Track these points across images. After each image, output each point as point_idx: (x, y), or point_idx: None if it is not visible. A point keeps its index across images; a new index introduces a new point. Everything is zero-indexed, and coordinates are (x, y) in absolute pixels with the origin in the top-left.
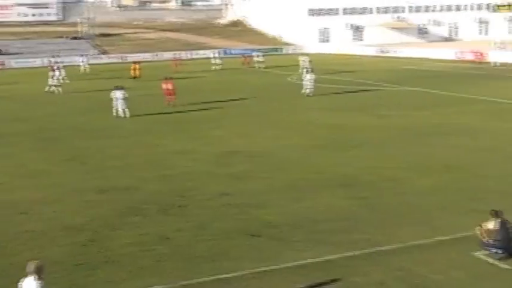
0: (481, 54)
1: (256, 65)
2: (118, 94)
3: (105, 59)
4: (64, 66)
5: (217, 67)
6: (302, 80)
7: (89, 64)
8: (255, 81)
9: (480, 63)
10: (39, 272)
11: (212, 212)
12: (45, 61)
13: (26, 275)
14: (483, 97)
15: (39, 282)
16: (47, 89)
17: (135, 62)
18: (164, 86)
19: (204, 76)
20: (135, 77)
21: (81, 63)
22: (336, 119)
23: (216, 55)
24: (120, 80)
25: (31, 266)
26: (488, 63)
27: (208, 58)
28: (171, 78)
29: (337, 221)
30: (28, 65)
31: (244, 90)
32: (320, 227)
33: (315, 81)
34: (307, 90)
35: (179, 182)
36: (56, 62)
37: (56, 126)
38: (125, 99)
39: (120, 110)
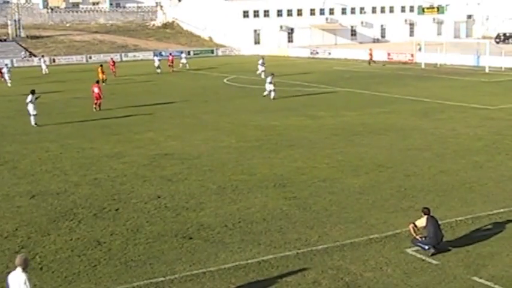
0: (412, 55)
1: (181, 66)
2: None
3: (35, 62)
4: None
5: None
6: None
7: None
8: (190, 84)
9: (405, 63)
10: (25, 264)
11: (146, 215)
12: None
13: (14, 268)
14: (411, 97)
15: (25, 274)
16: None
17: (101, 65)
18: (95, 89)
19: (138, 79)
20: (103, 80)
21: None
22: (268, 120)
23: (157, 58)
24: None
25: (18, 259)
26: (416, 63)
27: (143, 60)
28: (97, 82)
29: (271, 222)
30: None
31: (178, 93)
32: (254, 228)
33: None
34: (273, 93)
35: (111, 185)
36: None
37: None
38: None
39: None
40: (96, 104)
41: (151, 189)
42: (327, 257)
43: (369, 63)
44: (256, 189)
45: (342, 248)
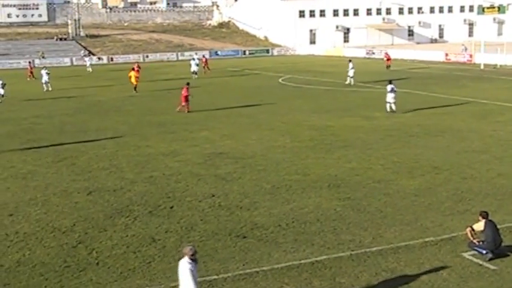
0: (470, 56)
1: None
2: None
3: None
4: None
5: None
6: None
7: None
8: (245, 83)
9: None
10: (190, 254)
11: (200, 214)
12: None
13: (182, 256)
14: (469, 98)
15: (190, 263)
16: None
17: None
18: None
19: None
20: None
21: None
22: (322, 120)
23: (194, 62)
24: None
25: (184, 249)
26: (475, 64)
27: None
28: (188, 84)
29: (325, 222)
30: (13, 66)
31: (233, 92)
32: (308, 228)
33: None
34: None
35: (166, 183)
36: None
37: (43, 128)
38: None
39: None
40: (183, 106)
41: (205, 187)
42: (381, 259)
43: (387, 67)
44: (310, 189)
45: (397, 250)
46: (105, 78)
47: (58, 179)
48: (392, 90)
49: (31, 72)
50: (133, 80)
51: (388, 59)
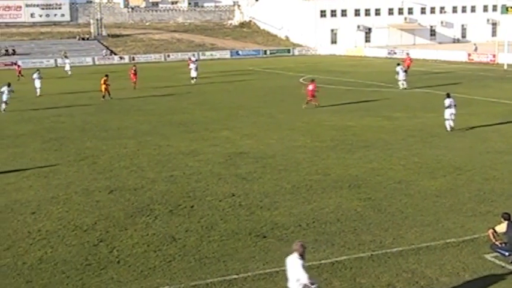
0: (493, 56)
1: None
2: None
3: (116, 60)
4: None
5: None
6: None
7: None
8: (266, 83)
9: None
10: (301, 251)
11: (220, 213)
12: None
13: (291, 252)
14: (492, 99)
15: (301, 260)
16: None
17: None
18: (311, 87)
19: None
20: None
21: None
22: (343, 120)
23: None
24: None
25: (295, 245)
26: (498, 64)
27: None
28: (312, 80)
29: (345, 222)
30: (36, 65)
31: (254, 92)
32: (328, 228)
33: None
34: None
35: (187, 182)
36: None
37: (65, 127)
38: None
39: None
40: (310, 100)
41: (226, 187)
42: (402, 260)
43: (405, 71)
44: (331, 189)
45: (418, 251)
46: (126, 77)
47: (79, 177)
48: (450, 106)
49: (19, 72)
50: (102, 88)
51: (409, 62)
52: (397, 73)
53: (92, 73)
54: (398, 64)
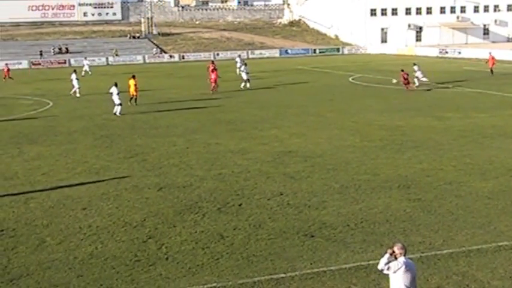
0: None
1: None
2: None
3: (166, 59)
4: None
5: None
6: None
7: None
8: (315, 82)
9: None
10: (404, 252)
11: (268, 212)
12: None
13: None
14: None
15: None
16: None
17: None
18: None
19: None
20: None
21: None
22: (393, 120)
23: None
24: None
25: (397, 246)
26: None
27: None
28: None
29: (394, 223)
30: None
31: (303, 91)
32: (377, 229)
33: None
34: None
35: (235, 180)
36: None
37: (116, 124)
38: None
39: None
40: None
41: (274, 185)
42: (452, 262)
43: (491, 71)
44: (380, 189)
45: (468, 253)
46: (176, 76)
47: (129, 174)
48: None
49: (7, 72)
50: (132, 90)
51: (493, 62)
52: (414, 71)
53: (141, 71)
54: (415, 64)
